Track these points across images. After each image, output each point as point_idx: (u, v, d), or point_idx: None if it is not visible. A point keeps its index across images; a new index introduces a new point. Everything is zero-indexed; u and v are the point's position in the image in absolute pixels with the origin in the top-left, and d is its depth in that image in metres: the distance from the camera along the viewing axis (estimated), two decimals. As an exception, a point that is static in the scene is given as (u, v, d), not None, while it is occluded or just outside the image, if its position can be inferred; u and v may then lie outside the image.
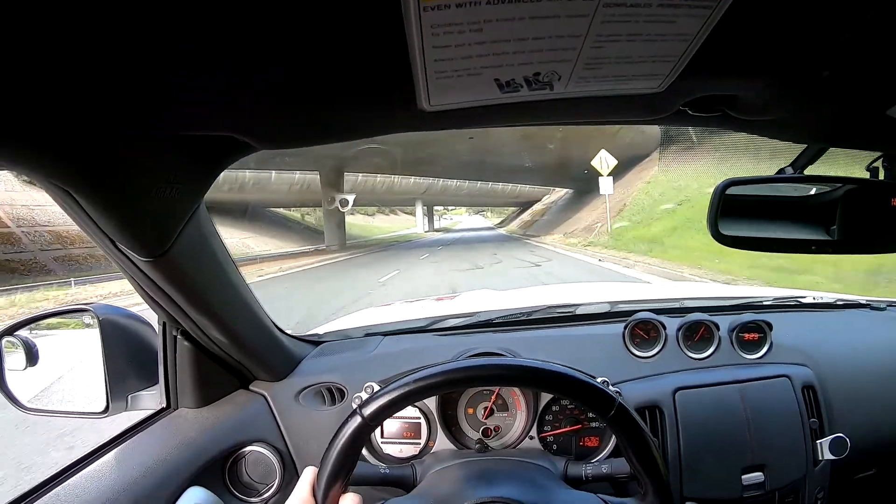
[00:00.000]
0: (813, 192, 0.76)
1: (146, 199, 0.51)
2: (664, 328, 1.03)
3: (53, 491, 0.69)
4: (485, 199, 52.16)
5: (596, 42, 0.38)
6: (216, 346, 0.80)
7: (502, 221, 63.66)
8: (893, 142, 0.68)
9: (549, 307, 1.22)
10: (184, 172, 0.54)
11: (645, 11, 0.34)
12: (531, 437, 0.89)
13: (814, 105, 0.57)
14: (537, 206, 43.76)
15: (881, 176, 0.72)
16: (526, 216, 44.29)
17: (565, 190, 34.46)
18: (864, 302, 1.29)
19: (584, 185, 22.29)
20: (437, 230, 56.23)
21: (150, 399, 0.87)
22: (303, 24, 0.33)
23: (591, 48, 0.38)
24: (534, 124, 0.54)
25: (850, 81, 0.49)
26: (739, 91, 0.51)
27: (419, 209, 47.77)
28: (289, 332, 1.00)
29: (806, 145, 0.71)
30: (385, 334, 1.11)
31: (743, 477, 0.89)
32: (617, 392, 0.73)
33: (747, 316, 1.04)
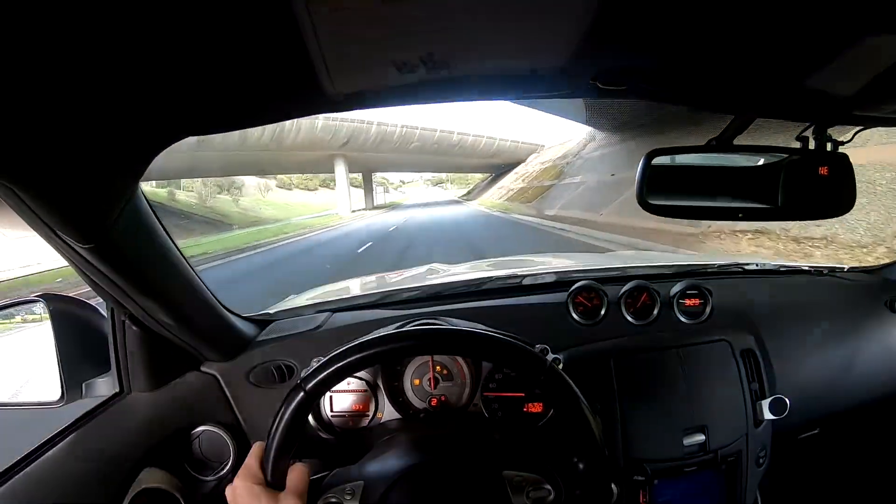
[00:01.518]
0: (742, 160, 0.79)
1: (81, 187, 0.52)
2: (606, 296, 1.06)
3: (11, 481, 0.70)
4: (444, 163, 39.97)
5: (488, 19, 0.39)
6: (164, 329, 0.81)
7: (468, 193, 53.61)
8: (817, 114, 0.70)
9: (497, 278, 1.25)
10: (118, 159, 0.55)
11: None
12: (475, 405, 0.92)
13: (731, 77, 0.59)
14: (529, 169, 30.81)
15: (811, 145, 0.75)
16: (510, 183, 31.67)
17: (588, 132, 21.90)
18: (806, 268, 1.34)
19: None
20: (380, 207, 42.59)
21: (105, 385, 0.87)
22: (211, 23, 0.35)
23: (485, 26, 0.40)
24: (440, 101, 0.55)
25: (763, 54, 0.50)
26: (646, 62, 0.53)
27: (340, 172, 28.70)
28: (238, 312, 1.01)
29: (733, 116, 0.73)
30: (334, 311, 1.13)
31: (684, 439, 0.93)
32: (555, 358, 0.76)
33: (688, 281, 1.08)
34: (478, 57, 0.44)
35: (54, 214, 0.54)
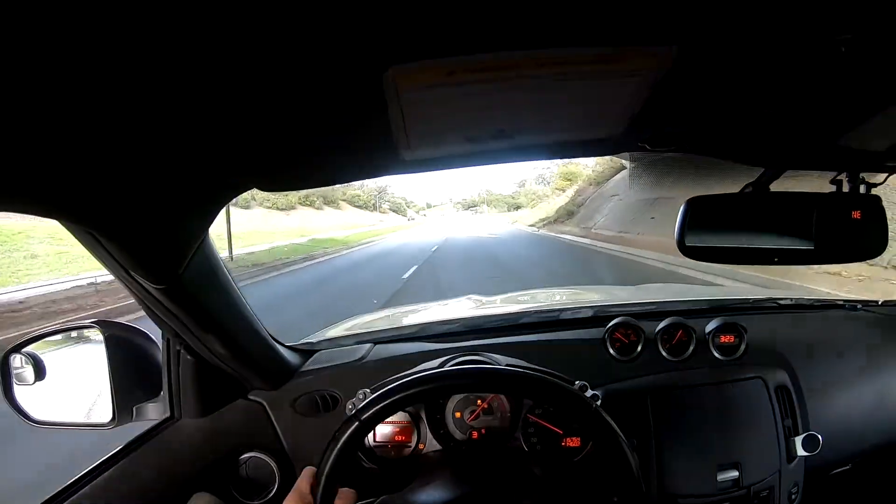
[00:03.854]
0: (778, 205, 0.81)
1: (158, 234, 0.57)
2: (643, 332, 1.07)
3: (69, 501, 0.73)
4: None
5: (550, 105, 0.43)
6: (217, 359, 0.85)
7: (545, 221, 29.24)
8: (847, 165, 0.72)
9: (535, 312, 1.27)
10: (191, 210, 0.59)
11: (592, 82, 0.39)
12: (515, 439, 0.93)
13: (764, 138, 0.62)
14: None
15: (845, 188, 0.77)
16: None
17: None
18: (839, 302, 1.33)
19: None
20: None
21: (154, 410, 0.91)
22: (302, 95, 0.38)
23: (547, 111, 0.44)
24: (502, 163, 0.59)
25: (797, 118, 0.53)
26: (691, 128, 0.56)
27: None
28: (285, 342, 1.04)
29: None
30: (376, 342, 1.15)
31: (718, 475, 0.93)
32: (594, 395, 0.78)
33: (723, 318, 1.08)
34: (541, 131, 0.48)
35: (131, 258, 0.58)
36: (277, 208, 39.56)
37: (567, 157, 0.63)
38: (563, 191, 37.27)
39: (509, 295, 1.79)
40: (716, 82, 0.44)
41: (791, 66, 0.41)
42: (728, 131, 0.59)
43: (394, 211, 73.24)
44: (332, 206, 52.16)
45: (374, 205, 63.61)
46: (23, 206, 0.42)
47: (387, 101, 0.39)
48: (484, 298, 1.65)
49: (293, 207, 41.63)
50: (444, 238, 21.91)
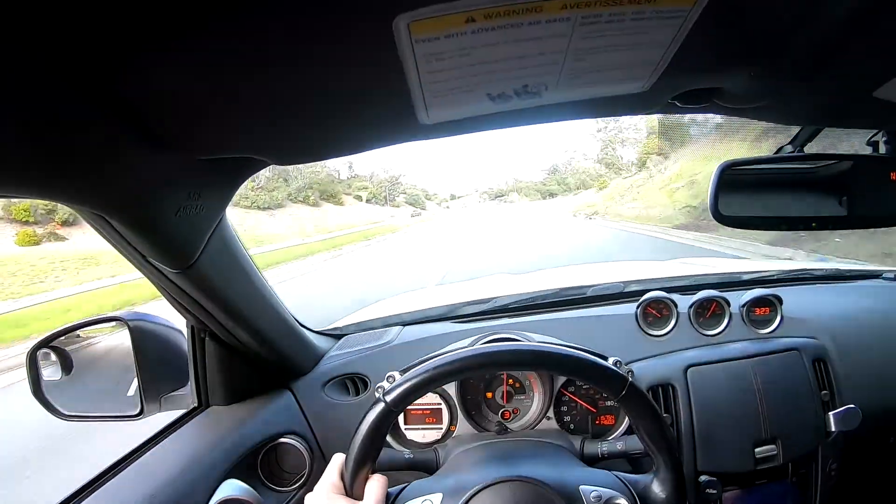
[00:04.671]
0: (813, 168, 0.78)
1: (173, 217, 0.55)
2: (675, 306, 1.05)
3: (102, 488, 0.73)
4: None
5: (577, 55, 0.41)
6: (243, 346, 0.84)
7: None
8: (886, 120, 0.69)
9: (562, 290, 1.25)
10: (206, 190, 0.58)
11: (619, 25, 0.36)
12: (548, 418, 0.91)
13: (801, 91, 0.59)
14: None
15: (881, 150, 0.74)
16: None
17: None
18: (877, 272, 1.29)
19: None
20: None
21: (182, 399, 0.91)
22: (309, 56, 0.37)
23: (574, 60, 0.41)
24: (527, 125, 0.57)
25: (834, 67, 0.50)
26: (725, 83, 0.54)
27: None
28: (311, 327, 1.03)
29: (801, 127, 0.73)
30: (404, 324, 1.14)
31: (756, 450, 0.91)
32: (629, 371, 0.75)
33: (757, 291, 1.06)
34: (567, 86, 0.46)
35: (146, 243, 0.57)
36: (258, 207, 31.99)
37: (593, 117, 0.60)
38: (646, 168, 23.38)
39: (539, 273, 1.77)
40: (753, 28, 0.41)
41: (830, 10, 0.39)
42: (764, 86, 0.56)
43: (410, 204, 64.89)
44: (332, 201, 43.60)
45: (385, 197, 57.07)
46: (27, 189, 0.40)
47: (399, 56, 0.37)
48: (513, 277, 1.64)
49: (280, 205, 34.25)
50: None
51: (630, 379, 0.64)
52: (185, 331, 0.88)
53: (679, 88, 0.54)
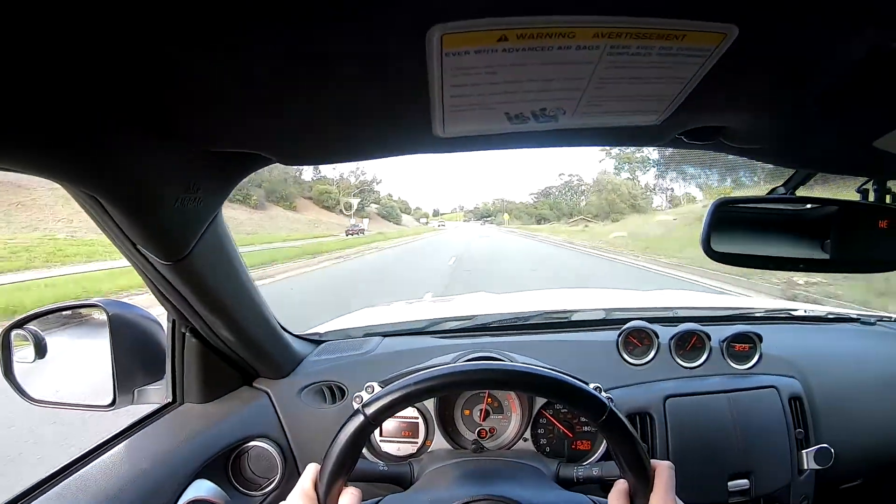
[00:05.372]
0: (805, 211, 0.79)
1: (170, 207, 0.54)
2: (657, 336, 1.06)
3: (66, 481, 0.71)
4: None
5: (599, 83, 0.41)
6: (223, 344, 0.83)
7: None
8: (880, 169, 0.70)
9: (546, 313, 1.25)
10: (206, 182, 0.57)
11: (645, 59, 0.37)
12: (525, 439, 0.91)
13: (801, 136, 0.60)
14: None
15: (871, 198, 0.75)
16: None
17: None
18: (854, 316, 1.32)
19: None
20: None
21: (156, 393, 0.89)
22: (337, 61, 0.36)
23: (595, 88, 0.42)
24: (538, 147, 0.57)
25: (836, 116, 0.52)
26: (732, 123, 0.54)
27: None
28: (292, 330, 1.02)
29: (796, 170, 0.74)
30: (385, 335, 1.14)
31: (729, 483, 0.92)
32: (609, 398, 0.75)
33: (738, 327, 1.07)
34: (584, 114, 0.46)
35: (139, 231, 0.56)
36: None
37: (603, 145, 0.62)
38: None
39: (521, 294, 1.78)
40: (768, 72, 0.43)
41: (842, 60, 0.40)
42: (766, 129, 0.57)
43: (384, 217, 58.26)
44: (283, 204, 38.34)
45: (348, 205, 47.68)
46: (24, 164, 0.39)
47: (427, 65, 0.36)
48: (495, 296, 1.64)
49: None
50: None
51: (609, 405, 0.64)
52: (165, 324, 0.86)
53: (689, 125, 0.55)
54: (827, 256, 0.76)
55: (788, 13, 0.33)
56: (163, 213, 0.55)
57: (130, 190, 0.49)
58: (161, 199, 0.53)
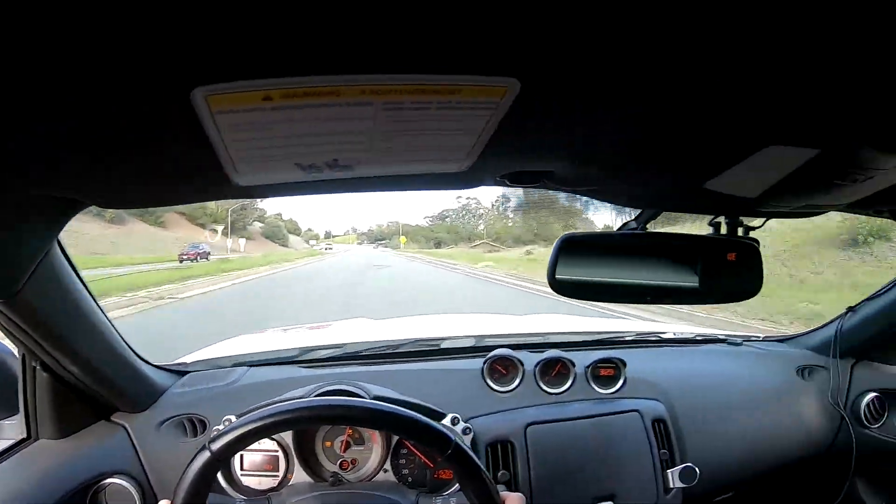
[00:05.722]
0: (655, 245, 0.83)
1: None
2: (522, 364, 1.10)
3: None
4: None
5: (384, 136, 0.41)
6: (75, 378, 0.80)
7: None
8: (722, 208, 0.74)
9: (416, 340, 1.27)
10: (29, 222, 0.55)
11: (426, 113, 0.37)
12: (385, 471, 0.92)
13: (632, 179, 0.62)
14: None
15: (723, 230, 0.80)
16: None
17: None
18: (722, 337, 1.40)
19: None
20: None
21: (11, 429, 0.85)
22: (120, 116, 0.35)
23: (381, 141, 0.42)
24: (347, 193, 0.57)
25: (662, 163, 0.53)
26: (552, 168, 0.56)
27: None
28: (153, 361, 0.99)
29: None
30: (252, 364, 1.13)
31: None
32: (466, 428, 0.77)
33: (603, 353, 1.13)
34: (381, 162, 0.46)
35: None
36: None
37: (416, 190, 0.61)
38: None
39: (399, 320, 1.78)
40: (569, 123, 0.43)
41: (652, 108, 0.40)
42: (594, 172, 0.58)
43: (268, 237, 50.93)
44: (149, 220, 34.02)
45: (213, 231, 38.28)
46: None
47: (201, 123, 0.36)
48: (372, 322, 1.65)
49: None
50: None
51: (454, 439, 0.66)
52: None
53: (504, 169, 0.56)
54: (676, 288, 0.80)
55: (570, 68, 0.32)
56: None
57: None
58: None
